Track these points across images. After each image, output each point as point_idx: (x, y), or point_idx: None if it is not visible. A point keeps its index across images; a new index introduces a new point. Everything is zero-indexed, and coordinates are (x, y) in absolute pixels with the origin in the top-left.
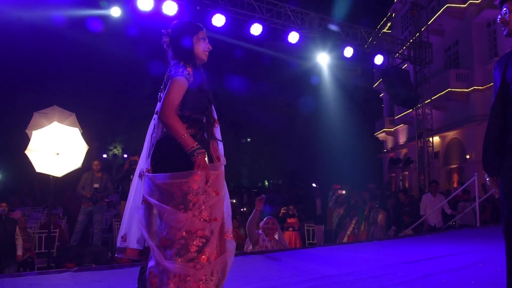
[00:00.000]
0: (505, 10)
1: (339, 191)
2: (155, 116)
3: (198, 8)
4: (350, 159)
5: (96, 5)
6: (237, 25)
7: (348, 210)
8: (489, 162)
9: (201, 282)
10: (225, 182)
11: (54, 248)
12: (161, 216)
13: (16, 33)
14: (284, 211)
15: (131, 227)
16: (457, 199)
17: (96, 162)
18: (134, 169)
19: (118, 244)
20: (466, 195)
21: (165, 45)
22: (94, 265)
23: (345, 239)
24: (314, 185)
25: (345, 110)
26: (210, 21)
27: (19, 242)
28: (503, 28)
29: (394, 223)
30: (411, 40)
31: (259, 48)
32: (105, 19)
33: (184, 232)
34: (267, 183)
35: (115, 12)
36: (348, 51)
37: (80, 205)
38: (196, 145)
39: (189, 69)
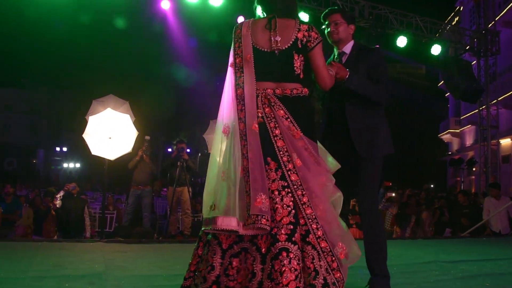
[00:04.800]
0: (334, 22)
1: (389, 194)
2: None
3: None
4: (410, 160)
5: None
6: None
7: (403, 208)
8: None
9: None
10: None
11: (112, 228)
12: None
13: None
14: (354, 203)
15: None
16: None
17: (147, 138)
18: (181, 156)
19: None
20: None
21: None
22: (124, 239)
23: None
24: None
25: (406, 109)
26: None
27: (87, 222)
28: (329, 37)
29: (450, 225)
30: (476, 30)
31: None
32: (157, 13)
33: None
34: None
35: (165, 5)
36: (401, 41)
37: None
38: None
39: None
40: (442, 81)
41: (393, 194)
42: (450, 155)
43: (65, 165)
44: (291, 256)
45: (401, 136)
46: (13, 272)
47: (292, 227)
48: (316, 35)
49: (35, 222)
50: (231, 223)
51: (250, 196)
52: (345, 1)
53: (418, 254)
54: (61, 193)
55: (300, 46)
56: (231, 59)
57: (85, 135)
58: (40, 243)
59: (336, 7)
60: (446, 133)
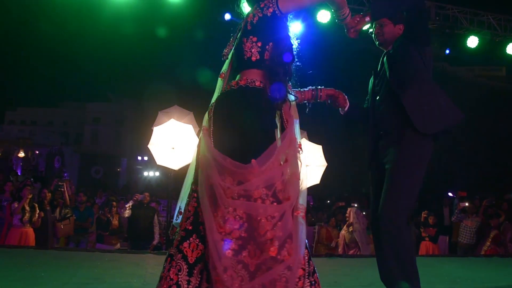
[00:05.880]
0: (379, 23)
1: (462, 204)
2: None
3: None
4: (493, 168)
5: None
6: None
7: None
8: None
9: None
10: None
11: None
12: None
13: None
14: (425, 216)
15: None
16: None
17: None
18: None
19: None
20: None
21: None
22: None
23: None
24: (450, 194)
25: (487, 114)
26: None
27: (156, 230)
28: (375, 39)
29: None
30: None
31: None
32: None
33: None
34: None
35: (227, 17)
36: (472, 41)
37: None
38: None
39: None
40: None
41: (466, 204)
42: None
43: (145, 173)
44: (173, 264)
45: (483, 143)
46: (55, 283)
47: (184, 234)
48: None
49: (98, 231)
50: None
51: None
52: None
53: (491, 276)
54: (130, 203)
55: (249, 28)
56: None
57: (150, 146)
58: (92, 253)
59: None
60: None
